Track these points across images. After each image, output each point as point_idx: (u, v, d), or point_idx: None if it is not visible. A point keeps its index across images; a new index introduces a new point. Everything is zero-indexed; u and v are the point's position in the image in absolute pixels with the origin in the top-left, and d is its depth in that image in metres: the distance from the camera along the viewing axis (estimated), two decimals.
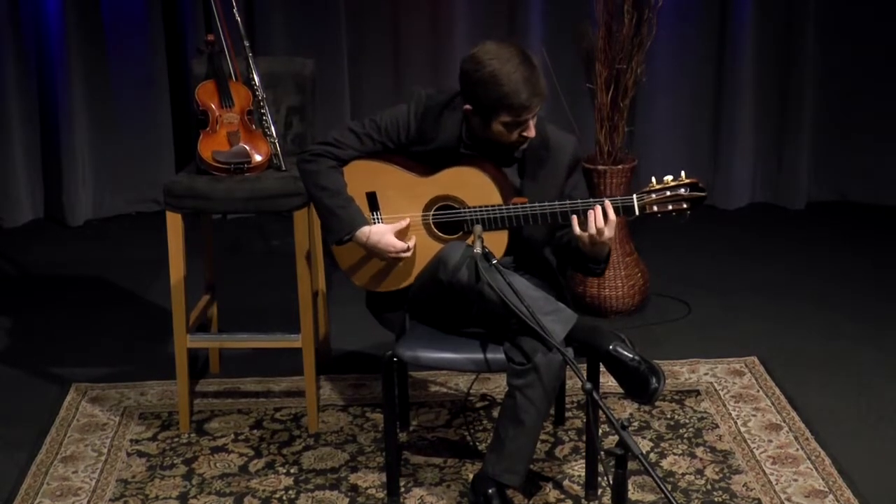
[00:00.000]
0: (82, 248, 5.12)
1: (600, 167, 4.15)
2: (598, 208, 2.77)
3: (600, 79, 4.11)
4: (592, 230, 2.77)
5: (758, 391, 3.63)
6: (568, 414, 3.47)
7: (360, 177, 2.97)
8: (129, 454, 3.34)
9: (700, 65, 5.39)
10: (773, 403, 3.54)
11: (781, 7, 5.31)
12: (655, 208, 2.81)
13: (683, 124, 5.47)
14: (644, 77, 4.18)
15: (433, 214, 2.95)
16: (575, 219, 2.78)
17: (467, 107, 2.85)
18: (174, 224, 3.32)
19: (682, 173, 2.83)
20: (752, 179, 5.53)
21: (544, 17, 5.28)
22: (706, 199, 2.84)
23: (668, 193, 2.81)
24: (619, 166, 4.16)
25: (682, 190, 2.80)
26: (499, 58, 2.77)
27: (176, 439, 3.41)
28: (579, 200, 2.84)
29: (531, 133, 2.85)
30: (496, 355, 2.88)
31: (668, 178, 2.82)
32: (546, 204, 2.84)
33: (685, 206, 2.81)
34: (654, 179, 2.83)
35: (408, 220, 2.95)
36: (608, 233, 2.78)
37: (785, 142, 5.49)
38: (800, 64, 5.36)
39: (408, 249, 2.93)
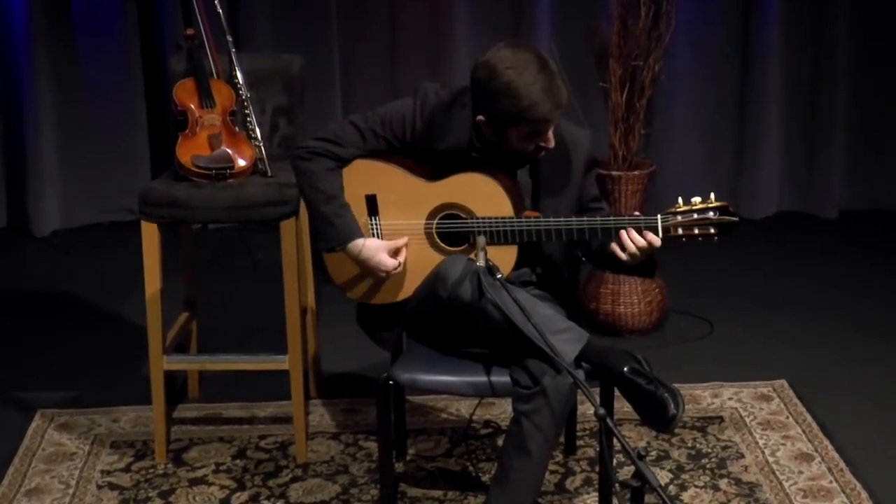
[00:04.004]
0: (49, 260, 5.12)
1: (615, 173, 4.16)
2: (632, 230, 2.80)
3: (614, 77, 4.12)
4: (633, 250, 2.81)
5: (787, 418, 3.63)
6: (579, 442, 3.47)
7: (361, 177, 2.97)
8: (99, 487, 3.33)
9: (723, 61, 5.41)
10: (803, 431, 3.55)
11: None
12: (680, 231, 2.81)
13: (705, 126, 5.48)
14: (662, 75, 4.20)
15: (437, 223, 2.96)
16: (617, 248, 2.81)
17: (480, 118, 2.86)
18: (150, 235, 3.32)
19: (712, 195, 2.83)
20: (781, 186, 5.54)
21: (553, 10, 5.30)
22: (737, 225, 2.83)
23: (696, 216, 2.81)
24: (636, 172, 4.17)
25: (711, 213, 2.81)
26: (515, 66, 2.77)
27: (151, 470, 3.41)
28: (598, 219, 2.85)
29: (550, 144, 2.86)
30: (501, 378, 2.88)
31: (697, 199, 2.82)
32: (562, 220, 2.85)
33: (713, 231, 2.82)
34: (680, 200, 2.83)
35: (406, 239, 2.95)
36: (657, 248, 2.82)
37: (816, 145, 5.50)
38: (832, 60, 5.37)
39: (398, 266, 2.94)
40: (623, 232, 2.81)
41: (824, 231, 5.38)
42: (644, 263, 2.88)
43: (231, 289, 4.70)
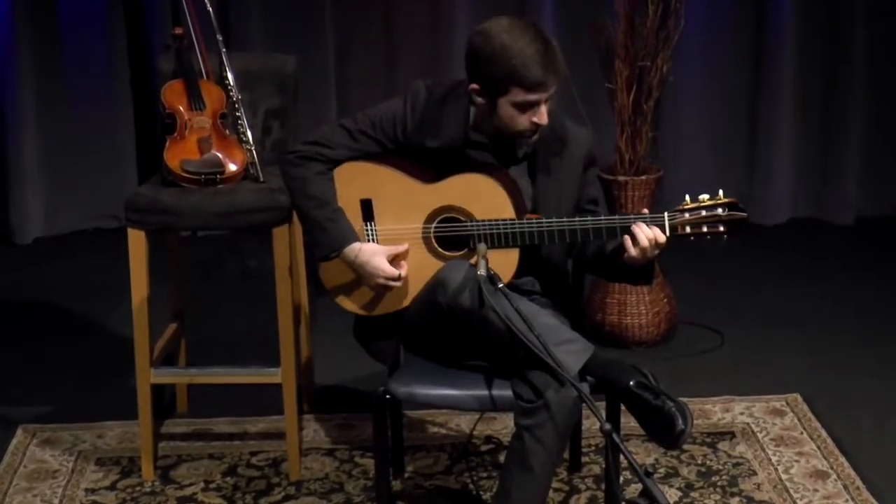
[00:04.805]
0: (31, 269, 5.12)
1: (621, 178, 4.16)
2: (643, 224, 2.81)
3: (621, 78, 4.13)
4: (645, 244, 2.80)
5: (801, 433, 3.63)
6: (584, 459, 3.48)
7: (355, 181, 2.98)
8: None
9: (734, 62, 5.41)
10: (818, 447, 3.55)
11: None
12: (688, 229, 2.83)
13: (715, 129, 5.49)
14: (670, 76, 4.20)
15: (435, 227, 2.96)
16: (628, 240, 2.82)
17: (474, 86, 2.87)
18: (137, 242, 3.33)
19: (721, 192, 2.85)
20: (794, 191, 5.54)
21: (557, 7, 5.31)
22: (746, 221, 2.85)
23: (704, 213, 2.83)
24: (643, 177, 4.17)
25: (720, 210, 2.83)
26: (511, 32, 2.82)
27: (138, 488, 3.41)
28: (602, 219, 2.86)
29: (543, 119, 2.86)
30: (502, 392, 2.88)
31: (704, 196, 2.84)
32: (565, 221, 2.86)
33: (722, 228, 2.83)
34: (688, 197, 2.85)
35: (406, 246, 2.96)
36: (657, 250, 2.82)
37: (831, 148, 5.51)
38: (847, 60, 5.38)
39: (399, 278, 2.94)
40: (635, 226, 2.82)
41: (839, 238, 5.38)
42: (643, 268, 2.88)
43: (221, 299, 4.70)
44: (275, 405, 3.54)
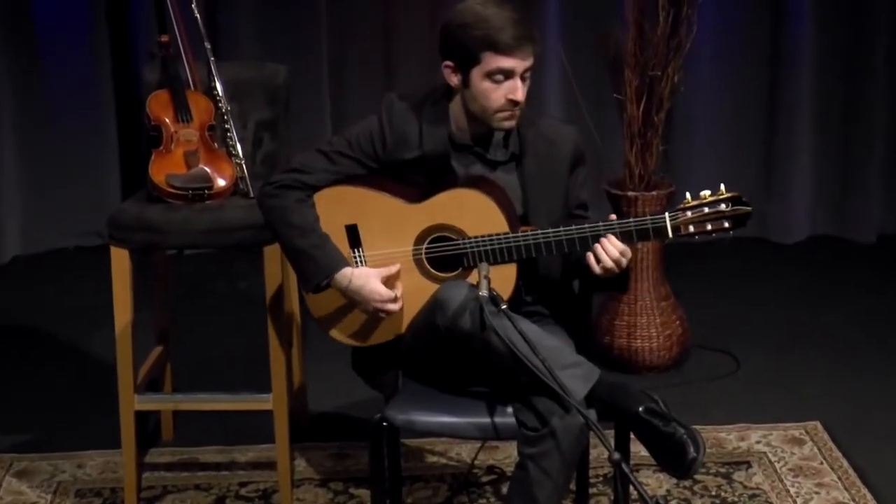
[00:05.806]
0: (9, 289, 5.13)
1: (630, 193, 4.17)
2: (603, 240, 2.82)
3: (630, 88, 4.14)
4: (608, 264, 2.81)
5: (821, 463, 3.64)
6: (592, 490, 3.47)
7: (338, 207, 2.97)
8: None
9: (749, 71, 5.43)
10: (839, 478, 3.55)
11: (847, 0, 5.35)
12: (692, 228, 2.84)
13: (729, 142, 5.50)
14: (682, 86, 4.22)
15: (426, 248, 2.96)
16: (592, 261, 2.82)
17: (447, 63, 2.90)
18: (120, 261, 3.33)
19: (722, 186, 2.86)
20: (813, 208, 5.55)
21: (563, 15, 5.33)
22: (751, 215, 2.86)
23: (707, 210, 2.84)
24: (653, 192, 4.18)
25: (723, 205, 2.84)
26: (484, 4, 2.88)
27: None
28: (600, 223, 2.86)
29: (518, 96, 2.88)
30: (505, 419, 2.88)
31: (706, 192, 2.85)
32: (562, 230, 2.86)
33: (727, 224, 2.84)
34: (688, 195, 2.86)
35: (398, 266, 2.96)
36: (626, 262, 2.83)
37: (852, 163, 5.52)
38: (869, 70, 5.40)
39: (396, 299, 2.94)
40: (597, 244, 2.82)
41: (861, 257, 5.39)
42: (617, 276, 2.89)
43: (209, 321, 4.71)
44: (265, 433, 3.55)
